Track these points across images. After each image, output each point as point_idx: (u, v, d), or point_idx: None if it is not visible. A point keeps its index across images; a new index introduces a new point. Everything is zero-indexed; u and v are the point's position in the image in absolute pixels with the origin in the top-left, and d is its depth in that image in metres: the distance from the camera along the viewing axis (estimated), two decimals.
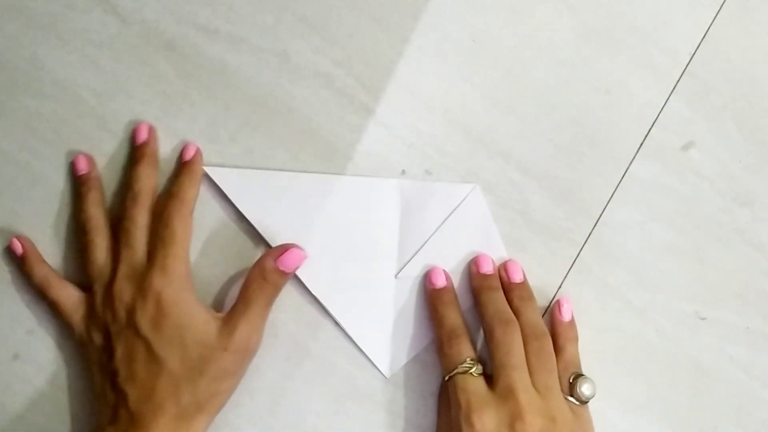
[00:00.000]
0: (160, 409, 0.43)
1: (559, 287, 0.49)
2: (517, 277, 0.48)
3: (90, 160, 0.49)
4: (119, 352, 0.44)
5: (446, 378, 0.45)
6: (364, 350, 0.49)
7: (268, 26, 0.50)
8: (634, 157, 0.49)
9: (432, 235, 0.49)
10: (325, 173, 0.49)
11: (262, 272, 0.46)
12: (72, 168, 0.49)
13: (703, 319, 0.49)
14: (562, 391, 0.45)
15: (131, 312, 0.44)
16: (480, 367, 0.45)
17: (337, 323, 0.49)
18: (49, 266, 0.48)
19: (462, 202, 0.49)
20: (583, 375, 0.45)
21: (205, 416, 0.45)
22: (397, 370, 0.49)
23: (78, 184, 0.48)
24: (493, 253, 0.49)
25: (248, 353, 0.46)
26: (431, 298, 0.48)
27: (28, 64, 0.50)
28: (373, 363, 0.49)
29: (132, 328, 0.44)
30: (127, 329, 0.44)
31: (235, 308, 0.45)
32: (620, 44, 0.49)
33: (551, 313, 0.48)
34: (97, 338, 0.46)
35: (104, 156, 0.49)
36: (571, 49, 0.49)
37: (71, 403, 0.49)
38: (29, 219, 0.49)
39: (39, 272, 0.47)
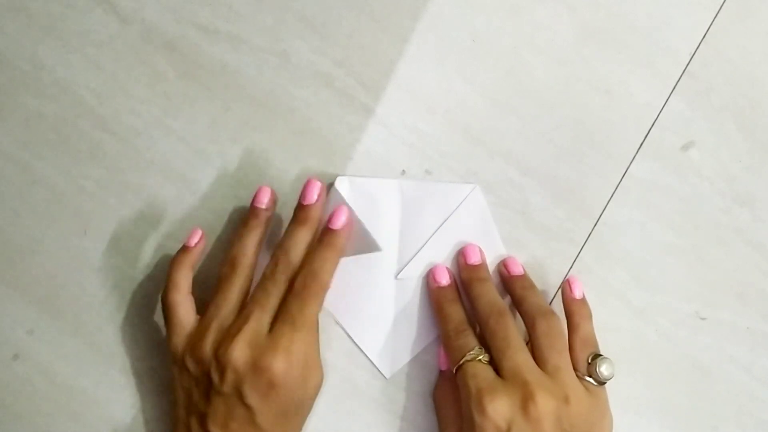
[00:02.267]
0: None
1: (560, 287, 0.49)
2: (517, 271, 0.48)
3: (273, 196, 0.48)
4: (216, 403, 0.43)
5: (455, 370, 0.45)
6: (364, 350, 0.49)
7: (268, 26, 0.50)
8: (634, 157, 0.49)
9: (432, 235, 0.49)
10: (325, 172, 0.49)
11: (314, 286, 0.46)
12: (254, 196, 0.47)
13: (703, 319, 0.49)
14: (579, 371, 0.44)
15: (240, 381, 0.43)
16: (488, 355, 0.44)
17: (337, 323, 0.49)
18: (191, 275, 0.47)
19: (462, 202, 0.49)
20: (601, 355, 0.45)
21: None
22: (397, 370, 0.49)
23: (250, 214, 0.47)
24: (493, 254, 0.49)
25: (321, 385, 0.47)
26: (436, 295, 0.48)
27: (28, 64, 0.50)
28: (373, 363, 0.49)
29: (237, 395, 0.43)
30: (232, 393, 0.43)
31: (298, 358, 0.45)
32: (620, 44, 0.49)
33: (563, 292, 0.48)
34: (193, 369, 0.44)
35: (104, 156, 0.49)
36: (571, 49, 0.49)
37: (71, 403, 0.49)
38: (29, 219, 0.49)
39: (183, 273, 0.46)
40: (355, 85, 0.49)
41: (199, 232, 0.48)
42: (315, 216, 0.47)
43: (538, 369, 0.43)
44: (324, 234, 0.47)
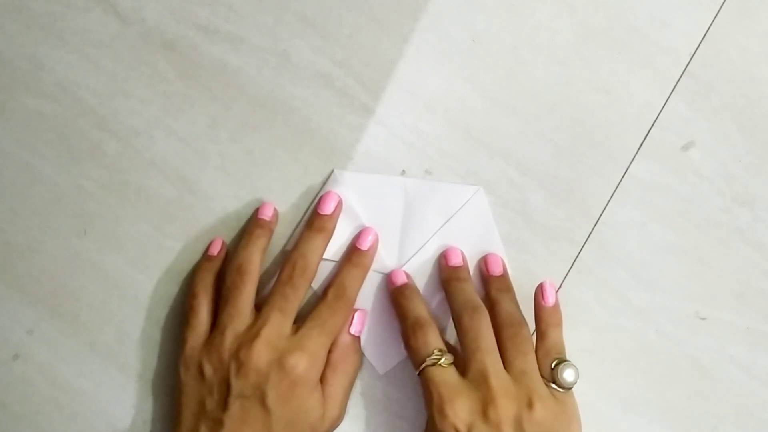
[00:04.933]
0: None
1: (559, 287, 0.49)
2: (496, 270, 0.48)
3: (276, 211, 0.48)
4: (233, 409, 0.43)
5: (417, 373, 0.45)
6: (362, 348, 0.49)
7: (268, 26, 0.50)
8: (634, 157, 0.49)
9: (433, 235, 0.49)
10: (325, 172, 0.49)
11: (346, 350, 0.47)
12: (256, 211, 0.48)
13: (703, 319, 0.49)
14: (544, 377, 0.44)
15: (263, 381, 0.43)
16: (450, 356, 0.44)
17: None
18: (214, 281, 0.48)
19: (466, 203, 0.49)
20: (566, 361, 0.44)
21: None
22: (391, 367, 0.49)
23: (253, 225, 0.48)
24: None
25: (335, 425, 0.47)
26: (393, 296, 0.48)
27: (28, 64, 0.50)
28: (368, 360, 0.49)
29: (258, 395, 0.43)
30: (253, 394, 0.43)
31: (329, 391, 0.46)
32: (620, 44, 0.49)
33: (534, 297, 0.47)
34: (209, 374, 0.45)
35: (104, 156, 0.49)
36: (571, 49, 0.49)
37: (71, 403, 0.49)
38: (29, 219, 0.49)
39: (207, 279, 0.47)
40: (355, 85, 0.49)
41: (220, 241, 0.49)
42: (331, 227, 0.48)
43: (505, 373, 0.43)
44: (353, 253, 0.48)
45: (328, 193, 0.48)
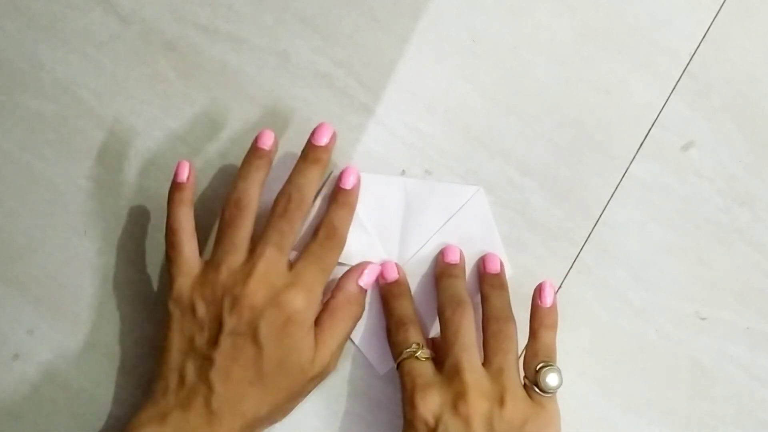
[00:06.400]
0: (240, 416, 0.43)
1: (559, 287, 0.49)
2: (492, 268, 0.47)
3: (276, 139, 0.46)
4: (224, 345, 0.42)
5: (396, 366, 0.45)
6: (361, 348, 0.49)
7: (268, 26, 0.50)
8: (634, 157, 0.49)
9: (433, 235, 0.49)
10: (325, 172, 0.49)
11: (349, 298, 0.46)
12: (255, 139, 0.46)
13: (703, 319, 0.49)
14: (527, 379, 0.44)
15: (257, 317, 0.42)
16: (427, 351, 0.44)
17: None
18: (192, 212, 0.46)
19: (466, 203, 0.49)
20: (552, 365, 0.44)
21: (267, 426, 0.45)
22: (391, 367, 0.49)
23: (252, 154, 0.46)
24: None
25: (324, 377, 0.46)
26: (383, 292, 0.48)
27: (28, 64, 0.50)
28: (368, 360, 0.49)
29: (251, 332, 0.42)
30: (246, 331, 0.43)
31: (323, 336, 0.44)
32: (620, 44, 0.49)
33: (532, 296, 0.47)
34: (202, 312, 0.43)
35: (104, 156, 0.49)
36: (571, 49, 0.49)
37: (71, 403, 0.49)
38: (29, 219, 0.49)
39: (184, 211, 0.45)
40: (355, 85, 0.49)
41: (186, 165, 0.46)
42: (325, 158, 0.46)
43: (481, 369, 0.43)
44: (338, 194, 0.47)
45: (322, 124, 0.46)
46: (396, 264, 0.48)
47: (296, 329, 0.43)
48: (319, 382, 0.46)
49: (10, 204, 0.49)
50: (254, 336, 0.42)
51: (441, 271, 0.48)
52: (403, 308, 0.46)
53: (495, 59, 0.49)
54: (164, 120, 0.49)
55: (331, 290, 0.47)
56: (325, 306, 0.46)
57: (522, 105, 0.49)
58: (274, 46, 0.49)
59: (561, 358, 0.45)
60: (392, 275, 0.48)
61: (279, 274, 0.44)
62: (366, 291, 0.47)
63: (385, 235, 0.49)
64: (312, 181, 0.46)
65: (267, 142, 0.46)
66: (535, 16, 0.49)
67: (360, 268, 0.47)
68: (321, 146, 0.46)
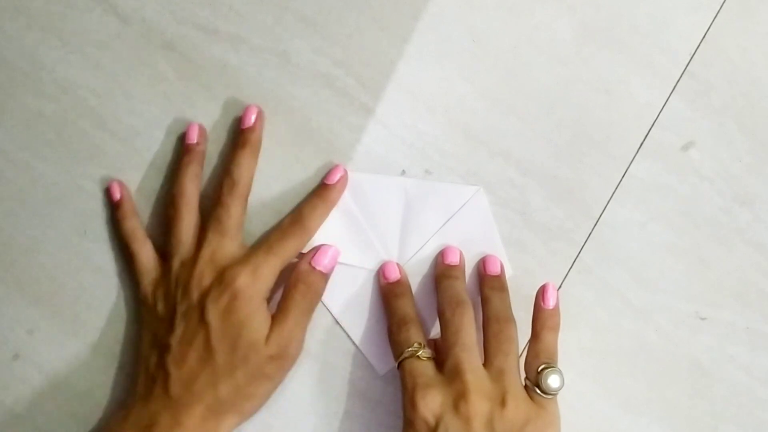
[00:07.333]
0: (197, 398, 0.44)
1: (559, 287, 0.49)
2: (493, 270, 0.48)
3: (203, 131, 0.49)
4: (179, 330, 0.45)
5: (397, 365, 0.45)
6: (361, 348, 0.49)
7: (268, 26, 0.50)
8: (634, 157, 0.49)
9: (433, 235, 0.49)
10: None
11: (299, 277, 0.46)
12: (183, 136, 0.49)
13: (703, 319, 0.49)
14: (529, 380, 0.44)
15: (204, 297, 0.44)
16: (428, 351, 0.44)
17: (336, 322, 0.49)
18: (139, 220, 0.48)
19: (465, 204, 0.49)
20: (553, 367, 0.44)
21: (235, 416, 0.45)
22: (391, 367, 0.49)
23: (182, 153, 0.48)
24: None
25: (287, 360, 0.46)
26: (384, 291, 0.48)
27: (28, 64, 0.50)
28: (368, 360, 0.49)
29: (199, 312, 0.44)
30: (194, 312, 0.44)
31: (277, 316, 0.46)
32: (620, 44, 0.49)
33: (535, 297, 0.47)
34: (161, 307, 0.46)
35: (104, 156, 0.49)
36: (571, 49, 0.49)
37: (71, 403, 0.49)
38: (29, 219, 0.49)
39: (129, 223, 0.48)
40: (355, 85, 0.49)
41: (116, 184, 0.48)
42: (256, 139, 0.48)
43: (482, 369, 0.43)
44: (320, 186, 0.48)
45: (247, 107, 0.48)
46: (397, 264, 0.48)
47: (242, 305, 0.44)
48: (284, 366, 0.46)
49: (10, 204, 0.49)
50: (202, 315, 0.44)
51: (441, 272, 0.48)
52: (405, 308, 0.46)
53: (495, 59, 0.49)
54: (164, 120, 0.49)
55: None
56: (284, 290, 0.47)
57: (522, 105, 0.49)
58: (274, 46, 0.49)
59: (561, 357, 0.45)
60: (393, 275, 0.48)
61: (225, 256, 0.46)
62: (323, 273, 0.47)
63: (385, 235, 0.49)
64: (242, 164, 0.47)
65: (192, 136, 0.48)
66: (535, 16, 0.49)
67: (313, 249, 0.48)
68: (247, 128, 0.48)
